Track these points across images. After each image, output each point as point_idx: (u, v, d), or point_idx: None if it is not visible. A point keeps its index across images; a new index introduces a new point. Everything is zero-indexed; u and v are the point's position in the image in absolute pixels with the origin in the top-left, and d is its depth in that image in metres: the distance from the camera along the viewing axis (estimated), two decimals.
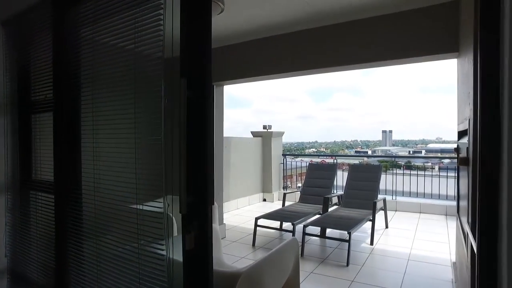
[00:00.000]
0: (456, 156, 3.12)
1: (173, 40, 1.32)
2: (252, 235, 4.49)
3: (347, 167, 7.32)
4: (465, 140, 2.31)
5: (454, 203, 6.06)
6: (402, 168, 8.49)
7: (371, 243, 4.35)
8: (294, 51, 4.09)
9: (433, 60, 3.69)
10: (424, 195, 6.78)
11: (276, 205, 6.65)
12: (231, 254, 4.08)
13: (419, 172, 7.60)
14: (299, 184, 8.57)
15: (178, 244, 1.32)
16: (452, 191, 6.52)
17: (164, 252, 1.36)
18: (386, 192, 6.72)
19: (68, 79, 1.81)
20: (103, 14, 1.60)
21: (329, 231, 4.46)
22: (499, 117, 1.02)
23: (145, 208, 1.44)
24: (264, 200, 7.71)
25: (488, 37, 1.09)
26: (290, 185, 8.56)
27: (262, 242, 4.54)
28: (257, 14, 3.63)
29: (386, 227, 5.14)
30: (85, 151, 1.76)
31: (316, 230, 4.46)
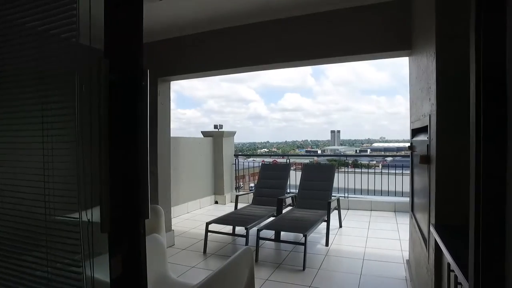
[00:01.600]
0: (409, 153, 3.11)
1: (92, 9, 1.02)
2: (203, 242, 4.19)
3: (299, 166, 7.30)
4: (423, 137, 2.24)
5: (402, 199, 6.26)
6: (350, 166, 8.69)
7: (326, 244, 4.25)
8: (241, 46, 3.89)
9: (383, 58, 3.68)
10: (374, 192, 6.93)
11: (229, 208, 6.39)
12: (180, 263, 3.75)
13: (365, 170, 7.80)
14: (252, 184, 8.40)
15: (106, 267, 1.02)
16: (399, 188, 6.74)
17: (81, 283, 1.05)
18: (338, 190, 6.76)
19: None
20: None
21: (283, 234, 4.30)
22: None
23: (57, 226, 1.12)
24: (216, 202, 7.40)
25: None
26: (242, 185, 8.34)
27: (214, 248, 4.26)
28: (201, 5, 3.37)
29: (340, 226, 5.11)
30: None
31: (270, 233, 4.28)
